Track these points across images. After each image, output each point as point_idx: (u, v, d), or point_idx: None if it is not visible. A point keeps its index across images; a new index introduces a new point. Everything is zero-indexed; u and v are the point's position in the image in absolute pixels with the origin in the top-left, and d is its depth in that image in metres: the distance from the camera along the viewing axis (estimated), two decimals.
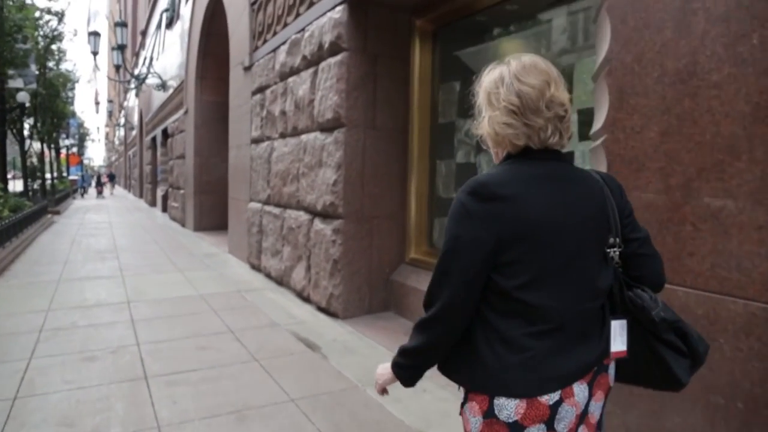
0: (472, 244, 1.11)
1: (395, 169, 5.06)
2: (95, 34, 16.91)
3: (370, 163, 4.89)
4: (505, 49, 4.35)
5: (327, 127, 4.96)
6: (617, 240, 1.23)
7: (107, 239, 10.40)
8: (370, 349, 3.98)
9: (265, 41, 6.81)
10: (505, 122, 1.15)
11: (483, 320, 1.16)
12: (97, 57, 17.66)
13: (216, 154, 12.13)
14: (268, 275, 6.58)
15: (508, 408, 1.12)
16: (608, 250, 1.22)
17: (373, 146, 4.89)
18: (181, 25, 14.38)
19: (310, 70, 5.34)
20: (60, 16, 18.42)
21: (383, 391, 1.39)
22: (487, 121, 1.19)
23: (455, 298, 1.13)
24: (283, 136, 6.16)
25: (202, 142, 12.01)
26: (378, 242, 5.00)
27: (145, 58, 19.25)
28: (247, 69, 7.54)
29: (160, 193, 18.41)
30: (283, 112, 6.10)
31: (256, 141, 7.16)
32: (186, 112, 12.75)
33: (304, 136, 5.48)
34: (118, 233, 11.52)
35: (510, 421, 1.12)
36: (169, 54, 16.35)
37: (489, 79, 1.21)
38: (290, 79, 5.87)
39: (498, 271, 1.13)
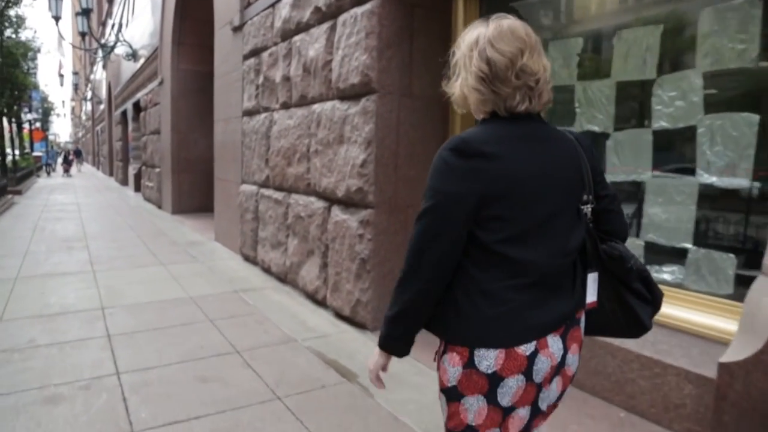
0: (455, 198, 1.13)
1: (433, 147, 4.14)
2: None
3: (405, 140, 3.96)
4: None
5: (351, 95, 4.00)
6: (590, 197, 1.29)
7: (75, 224, 9.26)
8: (422, 377, 3.12)
9: None
10: (474, 87, 1.19)
11: (464, 273, 1.19)
12: (60, 23, 16.11)
13: (196, 129, 10.99)
14: (267, 270, 5.64)
15: (488, 359, 1.15)
16: (582, 207, 1.27)
17: (408, 119, 3.96)
18: None
19: (325, 26, 4.35)
20: None
21: (379, 380, 1.37)
22: (459, 84, 1.24)
23: (439, 253, 1.15)
24: (286, 106, 5.17)
25: (180, 116, 10.85)
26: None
27: (113, 25, 17.70)
28: (237, 29, 6.46)
29: (132, 171, 17.09)
30: (287, 78, 5.09)
31: (250, 113, 6.13)
32: (161, 83, 11.53)
33: (317, 106, 4.51)
34: (87, 217, 10.35)
35: (489, 371, 1.15)
36: (140, 21, 14.98)
37: (467, 39, 1.22)
38: (296, 38, 4.86)
39: (479, 226, 1.16)
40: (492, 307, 1.15)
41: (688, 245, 2.90)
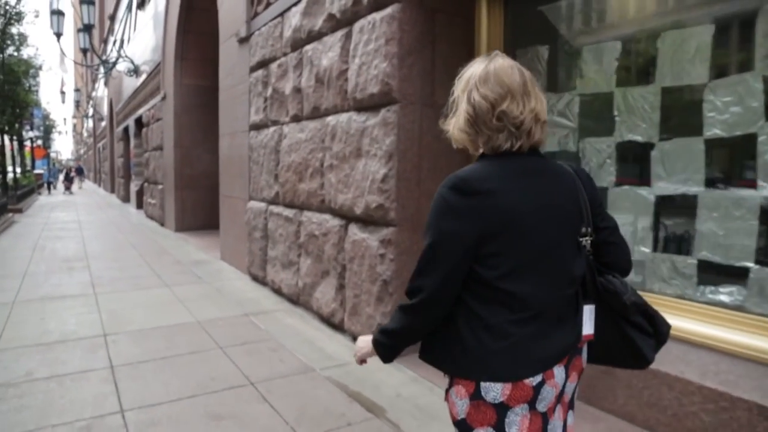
0: (455, 237, 1.16)
1: (458, 159, 3.89)
2: (59, 13, 15.25)
3: (428, 153, 3.72)
4: (607, 1, 3.24)
5: (369, 105, 3.77)
6: (589, 229, 1.29)
7: (76, 243, 9.00)
8: None
9: (268, 4, 5.55)
10: (462, 129, 1.25)
11: (466, 309, 1.21)
12: (62, 40, 16.00)
13: (199, 144, 10.78)
14: (278, 291, 5.36)
15: (495, 390, 1.17)
16: (581, 239, 1.28)
17: (431, 130, 3.71)
18: (155, 4, 12.92)
19: (340, 33, 4.13)
20: None
21: (362, 362, 1.47)
22: (453, 123, 1.28)
23: (438, 289, 1.19)
24: (296, 119, 4.93)
25: (183, 131, 10.65)
26: None
27: (115, 41, 17.60)
28: (244, 41, 6.26)
29: (134, 188, 16.87)
30: (297, 90, 4.87)
31: (258, 127, 5.90)
32: (164, 98, 11.34)
33: (331, 118, 4.27)
34: (88, 235, 10.10)
35: (496, 402, 1.17)
36: (142, 37, 14.87)
37: (464, 79, 1.26)
38: (308, 47, 4.64)
39: (480, 263, 1.18)
40: (496, 341, 1.17)
41: (750, 264, 2.64)
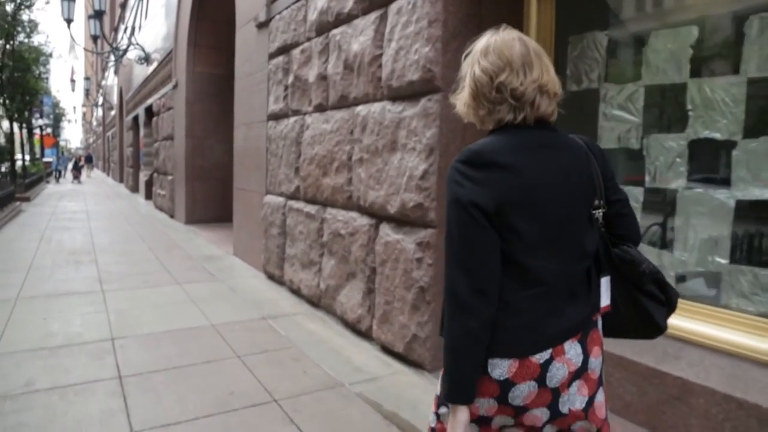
0: (477, 204, 1.12)
1: None
2: None
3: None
4: None
5: (407, 94, 3.41)
6: (602, 202, 1.28)
7: (83, 234, 8.72)
8: None
9: None
10: (466, 102, 1.25)
11: None
12: (72, 27, 15.73)
13: (212, 135, 10.47)
14: (296, 292, 5.04)
15: (501, 367, 1.15)
16: (593, 212, 1.27)
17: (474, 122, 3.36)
18: None
19: (373, 15, 3.77)
20: None
21: None
22: (460, 97, 1.28)
23: (482, 264, 1.13)
24: (321, 108, 4.59)
25: (194, 121, 10.33)
26: None
27: (126, 28, 17.30)
28: (262, 26, 5.91)
29: (143, 178, 16.61)
30: (323, 77, 4.52)
31: (277, 117, 5.56)
32: (175, 86, 11.03)
33: (361, 108, 3.92)
34: (96, 226, 9.82)
35: (502, 378, 1.15)
36: (154, 24, 14.58)
37: (470, 54, 1.26)
38: (336, 31, 4.28)
39: (497, 235, 1.14)
40: (510, 318, 1.15)
41: None
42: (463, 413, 1.15)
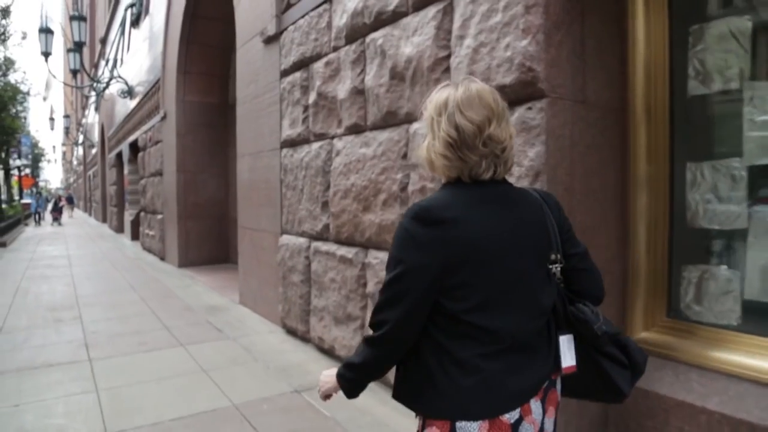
0: (419, 270, 1.11)
1: (611, 178, 2.76)
2: (47, 32, 14.17)
3: (580, 169, 2.58)
4: None
5: None
6: (558, 256, 1.25)
7: (65, 284, 7.73)
8: None
9: None
10: (442, 153, 1.17)
11: (435, 344, 1.17)
12: (51, 64, 14.91)
13: (206, 168, 9.63)
14: (328, 352, 4.15)
15: (471, 429, 1.11)
16: (550, 267, 1.23)
17: (583, 138, 2.59)
18: (151, 22, 11.90)
19: (432, 10, 3.02)
20: (4, 11, 15.55)
21: (326, 397, 1.38)
22: (426, 147, 1.22)
23: (402, 321, 1.14)
24: (356, 130, 3.79)
25: (186, 154, 9.48)
26: None
27: (107, 61, 16.54)
28: (271, 40, 5.15)
29: (128, 217, 15.60)
30: (358, 92, 3.74)
31: (294, 143, 4.75)
32: (164, 118, 10.20)
33: (418, 125, 3.13)
34: (79, 273, 8.82)
35: None
36: (137, 57, 13.85)
37: (435, 100, 1.20)
38: (376, 35, 3.52)
39: (446, 295, 1.13)
40: (467, 376, 1.12)
41: None
42: (336, 388, 1.31)
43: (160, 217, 10.79)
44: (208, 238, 9.63)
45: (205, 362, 4.07)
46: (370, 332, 1.21)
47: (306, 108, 4.50)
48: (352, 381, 1.27)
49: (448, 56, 2.90)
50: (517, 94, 2.49)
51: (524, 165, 2.45)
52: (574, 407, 2.62)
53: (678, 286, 2.82)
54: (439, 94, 1.21)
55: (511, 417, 1.12)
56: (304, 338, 4.57)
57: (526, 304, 1.18)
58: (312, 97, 4.36)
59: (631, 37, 2.77)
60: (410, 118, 3.22)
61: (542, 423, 1.20)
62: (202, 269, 9.02)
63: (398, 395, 1.23)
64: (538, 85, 2.41)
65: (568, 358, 1.24)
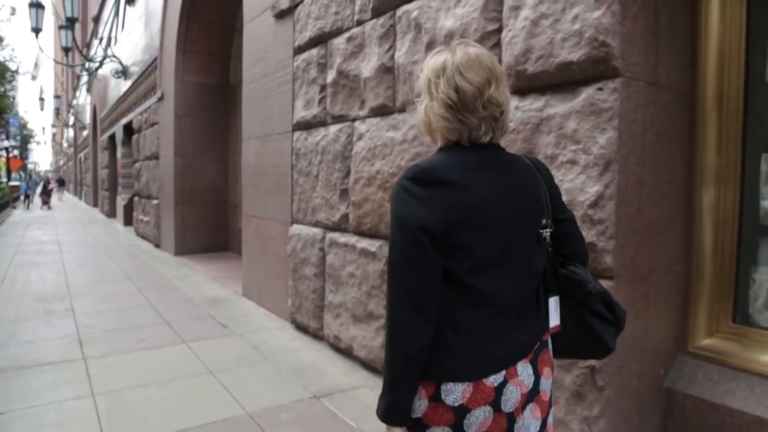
0: (423, 225, 1.08)
1: (679, 170, 2.47)
2: (38, 6, 13.62)
3: (649, 159, 2.28)
4: None
5: (554, 82, 2.31)
6: (549, 221, 1.27)
7: (55, 272, 7.36)
8: None
9: None
10: (441, 115, 1.15)
11: None
12: (41, 42, 14.38)
13: (204, 152, 9.26)
14: (345, 352, 3.86)
15: (455, 392, 1.12)
16: (541, 231, 1.25)
17: (653, 124, 2.29)
18: (146, 1, 11.43)
19: None
20: None
21: None
22: (424, 109, 1.20)
23: (421, 289, 1.09)
24: (383, 111, 3.47)
25: (184, 137, 9.09)
26: (654, 319, 2.40)
27: (101, 39, 15.99)
28: (284, 14, 4.79)
29: (120, 202, 15.17)
30: (386, 70, 3.40)
31: (309, 126, 4.42)
32: (161, 99, 9.79)
33: None
34: (70, 260, 8.45)
35: (456, 404, 1.12)
36: (131, 36, 13.37)
37: (432, 64, 1.19)
38: (409, 7, 3.18)
39: (445, 256, 1.12)
40: (461, 341, 1.12)
41: None
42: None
43: (155, 202, 10.40)
44: (206, 225, 9.28)
45: (211, 362, 3.76)
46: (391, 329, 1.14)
47: (323, 88, 4.16)
48: (396, 405, 1.13)
49: (499, 30, 2.57)
50: (585, 73, 2.18)
51: (593, 152, 2.14)
52: (634, 420, 2.35)
53: (746, 289, 2.54)
54: (436, 58, 1.18)
55: (495, 380, 1.12)
56: (317, 335, 4.27)
57: (520, 267, 1.19)
58: (331, 76, 4.02)
59: (704, 14, 2.46)
60: None
61: (537, 384, 1.21)
62: (200, 258, 8.67)
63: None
64: (612, 63, 2.10)
65: (554, 318, 1.28)
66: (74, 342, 4.22)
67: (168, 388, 3.30)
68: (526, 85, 2.42)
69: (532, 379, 1.19)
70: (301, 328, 4.50)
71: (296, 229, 4.58)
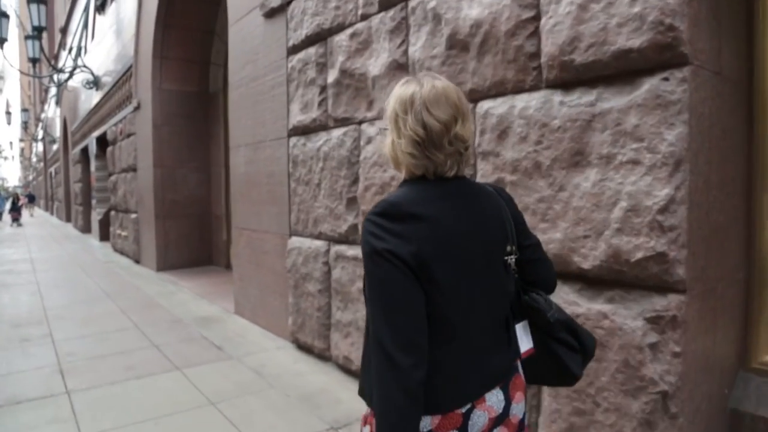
0: (402, 258, 1.06)
1: (740, 167, 2.24)
2: (2, 15, 13.02)
3: (716, 158, 2.05)
4: None
5: (607, 73, 2.06)
6: (514, 248, 1.25)
7: (29, 293, 6.88)
8: None
9: None
10: (409, 152, 1.15)
11: None
12: (6, 49, 13.74)
13: (184, 163, 8.86)
14: (355, 373, 3.56)
15: (425, 422, 1.11)
16: (506, 258, 1.24)
17: (718, 117, 2.06)
18: (117, 7, 11.04)
19: None
20: None
21: None
22: (391, 144, 1.20)
23: (408, 318, 1.06)
24: None
25: (163, 147, 8.68)
26: (721, 333, 2.16)
27: (70, 49, 15.39)
28: (275, 13, 4.49)
29: (96, 216, 14.57)
30: (399, 66, 3.13)
31: (306, 131, 4.12)
32: (137, 108, 9.35)
33: (489, 105, 2.55)
34: (45, 280, 7.95)
35: (425, 431, 1.11)
36: (103, 45, 12.90)
37: (400, 97, 1.17)
38: None
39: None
40: (433, 375, 1.08)
41: None
42: None
43: (134, 216, 9.93)
44: (189, 238, 8.86)
45: (210, 391, 3.41)
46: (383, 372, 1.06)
47: (323, 89, 3.87)
48: None
49: (536, 17, 2.32)
50: (647, 61, 1.93)
51: (660, 151, 1.89)
52: None
53: None
54: (403, 89, 1.17)
55: (463, 408, 1.13)
56: (323, 356, 3.95)
57: (491, 296, 1.19)
58: (332, 76, 3.73)
59: None
60: (475, 96, 2.63)
61: (508, 408, 1.20)
62: (184, 273, 8.25)
63: (362, 391, 1.21)
64: (680, 49, 1.86)
65: (525, 342, 1.28)
66: (55, 373, 3.82)
67: (166, 426, 2.95)
68: (572, 78, 2.17)
69: (503, 404, 1.20)
70: (305, 348, 4.18)
71: (296, 241, 4.26)
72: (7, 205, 24.94)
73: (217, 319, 5.34)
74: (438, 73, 2.70)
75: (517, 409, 1.24)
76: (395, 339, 1.04)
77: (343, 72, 3.60)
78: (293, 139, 4.30)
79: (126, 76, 10.31)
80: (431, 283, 1.09)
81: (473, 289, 1.15)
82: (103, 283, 7.59)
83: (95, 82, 13.59)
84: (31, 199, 30.42)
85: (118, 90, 11.23)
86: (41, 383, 3.62)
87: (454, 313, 1.12)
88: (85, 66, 13.75)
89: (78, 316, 5.57)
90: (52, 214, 30.65)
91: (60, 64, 18.86)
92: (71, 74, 14.48)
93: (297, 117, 4.20)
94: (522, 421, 1.26)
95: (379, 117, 3.32)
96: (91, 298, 6.50)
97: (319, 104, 3.91)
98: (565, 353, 1.29)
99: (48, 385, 3.58)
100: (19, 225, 21.27)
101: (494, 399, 1.18)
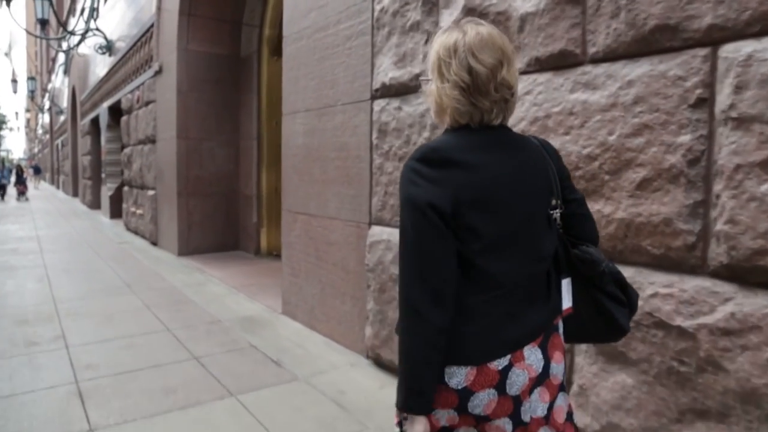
0: (433, 206, 1.06)
1: None
2: None
3: None
4: None
5: None
6: (559, 202, 1.23)
7: (36, 280, 6.00)
8: None
9: None
10: (454, 97, 1.12)
11: None
12: (13, 13, 12.75)
13: (212, 135, 7.91)
14: None
15: (459, 375, 1.10)
16: (551, 212, 1.21)
17: None
18: None
19: None
20: None
21: None
22: (436, 90, 1.16)
23: (438, 269, 1.06)
24: (559, 64, 2.25)
25: (189, 117, 7.73)
26: None
27: (82, 10, 14.35)
28: None
29: (106, 192, 13.67)
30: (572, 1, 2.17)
31: (403, 91, 3.17)
32: (159, 72, 8.39)
33: (728, 49, 1.60)
34: (53, 262, 7.06)
35: (459, 387, 1.10)
36: (116, 9, 11.94)
37: (443, 43, 1.14)
38: None
39: (454, 237, 1.09)
40: (467, 323, 1.10)
41: None
42: (420, 424, 1.08)
43: (151, 193, 9.02)
44: (214, 219, 7.95)
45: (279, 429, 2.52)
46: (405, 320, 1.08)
47: (431, 36, 2.91)
48: (416, 391, 1.07)
49: None
50: None
51: None
52: None
53: None
54: (446, 37, 1.14)
55: (499, 364, 1.10)
56: None
57: (530, 249, 1.15)
58: (451, 16, 2.77)
59: None
60: (721, 35, 1.69)
61: (547, 368, 1.17)
62: (209, 259, 7.35)
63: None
64: None
65: (567, 300, 1.24)
66: (72, 396, 2.94)
67: None
68: None
69: (542, 363, 1.16)
70: (387, 366, 3.29)
71: (381, 233, 3.34)
72: (13, 177, 24.04)
73: (263, 322, 4.44)
74: (643, 6, 1.80)
75: (557, 370, 1.20)
76: (420, 287, 1.05)
77: (471, 11, 2.64)
78: (380, 102, 3.35)
79: (145, 37, 9.32)
80: (468, 231, 1.08)
81: (512, 239, 1.12)
82: (120, 269, 6.70)
83: (108, 47, 12.63)
84: (37, 171, 29.59)
85: (135, 53, 10.25)
86: (55, 413, 2.73)
87: (493, 262, 1.10)
88: (98, 29, 12.75)
89: (95, 311, 4.68)
90: (58, 188, 29.79)
91: (70, 26, 17.84)
92: (83, 37, 13.48)
93: (389, 73, 3.24)
94: (562, 382, 1.22)
95: (532, 69, 2.37)
96: (107, 288, 5.61)
97: (426, 55, 2.95)
98: (613, 306, 1.24)
99: (64, 417, 2.69)
100: (26, 199, 20.35)
101: (533, 357, 1.14)
